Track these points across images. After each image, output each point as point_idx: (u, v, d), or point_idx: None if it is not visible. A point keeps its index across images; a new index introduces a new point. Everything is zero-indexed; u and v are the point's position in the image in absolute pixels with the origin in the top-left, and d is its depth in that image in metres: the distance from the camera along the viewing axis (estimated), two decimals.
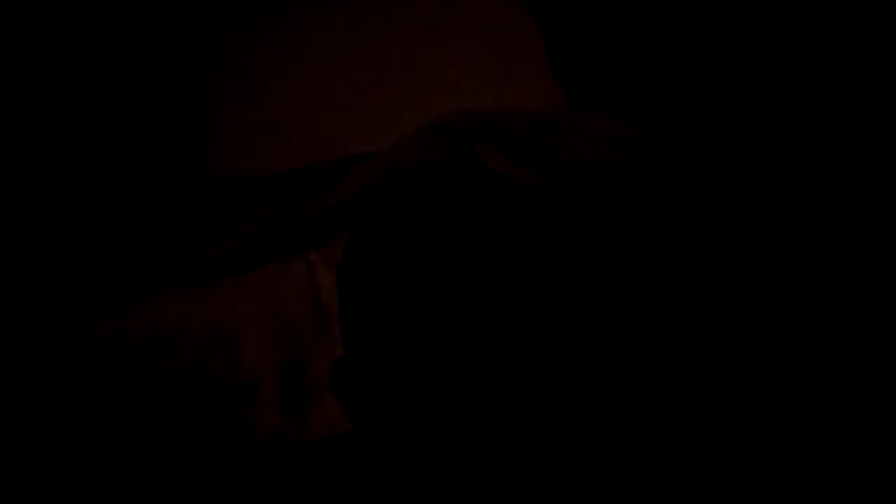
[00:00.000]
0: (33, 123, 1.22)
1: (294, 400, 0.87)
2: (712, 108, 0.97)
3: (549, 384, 0.59)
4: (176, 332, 0.87)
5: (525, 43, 1.17)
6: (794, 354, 0.74)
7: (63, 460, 0.84)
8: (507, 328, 0.59)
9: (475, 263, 0.62)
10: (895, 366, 0.73)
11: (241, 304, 0.88)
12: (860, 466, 0.68)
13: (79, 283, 1.06)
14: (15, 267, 1.12)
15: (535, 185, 0.80)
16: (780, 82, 0.97)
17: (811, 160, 0.90)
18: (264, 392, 0.87)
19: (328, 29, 1.25)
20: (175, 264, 0.94)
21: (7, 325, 1.05)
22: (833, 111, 0.98)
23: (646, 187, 0.79)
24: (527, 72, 1.15)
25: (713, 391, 0.71)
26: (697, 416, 0.70)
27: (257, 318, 0.87)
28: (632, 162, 0.81)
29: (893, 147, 0.95)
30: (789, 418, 0.71)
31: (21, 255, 1.14)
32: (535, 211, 0.71)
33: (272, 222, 0.90)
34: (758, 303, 0.75)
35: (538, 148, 0.86)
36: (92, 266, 1.07)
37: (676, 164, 0.81)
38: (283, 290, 0.88)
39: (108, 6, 1.29)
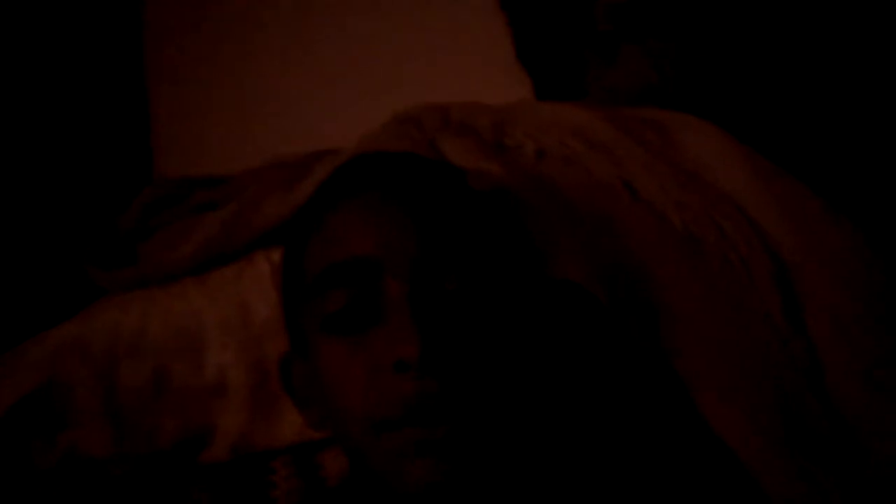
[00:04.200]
0: None
1: (261, 403, 0.85)
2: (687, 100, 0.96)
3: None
4: (136, 337, 0.85)
5: (491, 33, 1.15)
6: None
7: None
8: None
9: (414, 256, 0.62)
10: None
11: (203, 306, 0.86)
12: None
13: (35, 290, 1.05)
14: None
15: (497, 177, 0.79)
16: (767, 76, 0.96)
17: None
18: (230, 396, 0.85)
19: (287, 21, 1.23)
20: (135, 267, 0.92)
21: None
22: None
23: (605, 173, 0.78)
24: (493, 62, 1.14)
25: None
26: None
27: (220, 319, 0.86)
28: (593, 148, 0.80)
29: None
30: None
31: None
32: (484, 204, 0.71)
33: (236, 221, 0.89)
34: None
35: (502, 141, 0.85)
36: (47, 272, 1.06)
37: (636, 144, 0.81)
38: (246, 289, 0.86)
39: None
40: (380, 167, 0.70)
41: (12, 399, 0.83)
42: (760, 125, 0.90)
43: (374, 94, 1.15)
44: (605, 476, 0.67)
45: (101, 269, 0.91)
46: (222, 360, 0.85)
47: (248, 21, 1.25)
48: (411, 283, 0.63)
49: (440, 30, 1.19)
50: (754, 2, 0.94)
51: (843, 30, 0.97)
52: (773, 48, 0.94)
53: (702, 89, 0.93)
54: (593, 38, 1.02)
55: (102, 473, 0.86)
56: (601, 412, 0.70)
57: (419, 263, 0.63)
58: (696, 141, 0.82)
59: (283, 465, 0.86)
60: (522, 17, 1.13)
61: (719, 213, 0.75)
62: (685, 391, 0.68)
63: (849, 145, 0.94)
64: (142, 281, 0.90)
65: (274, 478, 0.85)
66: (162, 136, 1.22)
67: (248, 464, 0.86)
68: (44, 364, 0.85)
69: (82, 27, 1.28)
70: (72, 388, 0.85)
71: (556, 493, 0.66)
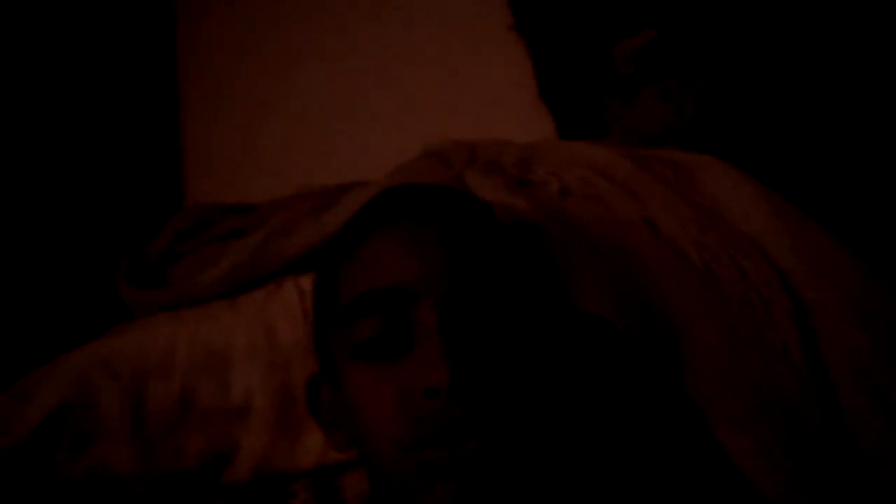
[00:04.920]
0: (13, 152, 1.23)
1: (285, 426, 0.86)
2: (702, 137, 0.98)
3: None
4: (164, 357, 0.87)
5: (516, 72, 1.18)
6: None
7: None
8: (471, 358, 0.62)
9: (448, 286, 0.64)
10: None
11: (231, 328, 0.88)
12: None
13: (65, 309, 1.07)
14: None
15: (522, 211, 0.81)
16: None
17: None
18: (254, 417, 0.87)
19: (318, 56, 1.27)
20: (165, 289, 0.94)
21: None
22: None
23: (626, 210, 0.81)
24: (517, 100, 1.17)
25: None
26: None
27: (248, 342, 0.87)
28: (615, 186, 0.83)
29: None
30: None
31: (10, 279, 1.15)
32: (515, 236, 0.73)
33: (265, 248, 0.91)
34: None
35: (526, 177, 0.88)
36: (78, 291, 1.08)
37: (657, 182, 0.83)
38: (274, 314, 0.88)
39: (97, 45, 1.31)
40: (411, 198, 0.72)
41: (43, 412, 0.85)
42: (777, 165, 0.92)
43: (401, 130, 1.18)
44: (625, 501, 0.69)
45: (134, 288, 0.93)
46: (248, 382, 0.87)
47: (280, 54, 1.29)
48: (442, 310, 0.64)
49: (466, 69, 1.22)
50: (774, 46, 0.97)
51: (861, 76, 0.99)
52: (791, 91, 0.97)
53: (720, 130, 0.95)
54: (614, 80, 1.05)
55: (125, 491, 0.87)
56: (619, 438, 0.72)
57: (450, 292, 0.65)
58: (716, 181, 0.84)
59: (303, 488, 0.87)
60: (543, 53, 1.16)
61: (738, 252, 0.77)
62: (702, 419, 0.69)
63: (866, 186, 0.96)
64: (171, 303, 0.93)
65: (294, 501, 0.86)
66: (192, 162, 1.25)
67: (268, 485, 0.87)
68: (74, 380, 0.86)
69: (117, 54, 1.32)
70: (100, 404, 0.86)
71: None
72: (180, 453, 0.86)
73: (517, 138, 1.00)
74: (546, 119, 1.13)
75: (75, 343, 0.91)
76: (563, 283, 0.74)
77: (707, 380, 0.71)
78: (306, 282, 0.89)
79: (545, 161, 0.89)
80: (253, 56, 1.32)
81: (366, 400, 0.66)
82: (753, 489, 0.67)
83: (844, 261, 0.76)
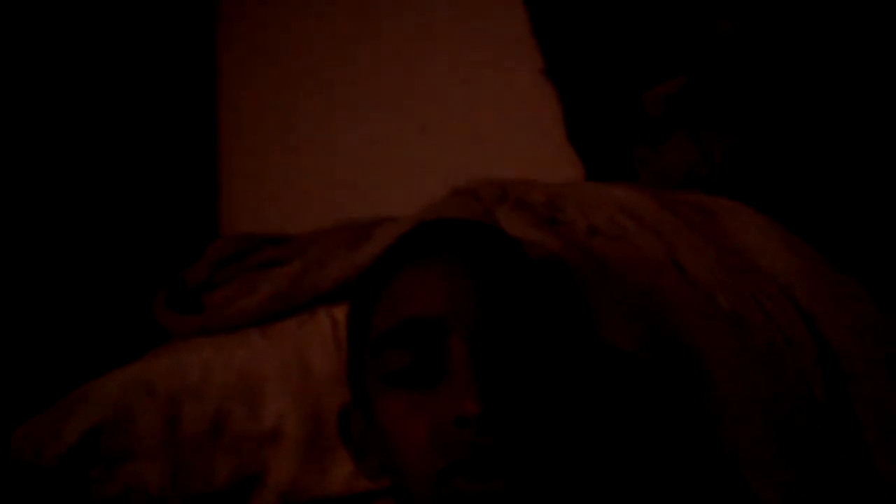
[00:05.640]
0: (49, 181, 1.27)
1: (313, 453, 0.88)
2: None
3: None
4: (200, 380, 0.89)
5: (545, 114, 1.22)
6: None
7: None
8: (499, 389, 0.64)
9: (478, 320, 0.66)
10: None
11: (265, 355, 0.90)
12: None
13: (104, 331, 1.10)
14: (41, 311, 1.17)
15: (551, 248, 0.84)
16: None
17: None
18: (284, 443, 0.89)
19: (353, 95, 1.31)
20: (203, 315, 0.97)
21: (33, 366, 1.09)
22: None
23: (654, 251, 0.83)
24: (546, 142, 1.20)
25: None
26: None
27: (280, 369, 0.89)
28: (643, 227, 0.85)
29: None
30: None
31: (47, 302, 1.18)
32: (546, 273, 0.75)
33: (301, 279, 0.93)
34: None
35: (555, 216, 0.90)
36: (116, 315, 1.11)
37: (684, 225, 0.85)
38: (307, 343, 0.90)
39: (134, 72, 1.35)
40: (443, 232, 0.75)
41: (82, 429, 0.87)
42: (802, 212, 0.94)
43: (432, 168, 1.21)
44: None
45: (172, 313, 0.96)
46: (279, 408, 0.89)
47: (317, 91, 1.33)
48: (474, 342, 0.66)
49: (497, 110, 1.25)
50: (800, 97, 1.00)
51: (889, 131, 1.01)
52: (817, 141, 0.99)
53: (747, 177, 0.97)
54: (643, 125, 1.08)
55: None
56: (644, 472, 0.73)
57: (482, 324, 0.67)
58: (743, 225, 0.86)
59: None
60: (573, 98, 1.19)
61: (765, 295, 0.79)
62: (728, 459, 0.71)
63: (891, 235, 0.97)
64: (207, 329, 0.95)
65: None
66: (227, 190, 1.29)
67: None
68: (114, 398, 0.89)
69: (159, 80, 1.36)
70: (136, 423, 0.88)
71: None
72: (211, 475, 0.88)
73: (545, 179, 1.02)
74: (574, 161, 1.16)
75: (111, 362, 0.94)
76: (590, 317, 0.76)
77: (732, 420, 0.72)
78: (339, 312, 0.91)
79: (573, 201, 0.91)
80: (291, 89, 1.36)
81: (397, 428, 0.67)
82: None
83: (869, 307, 0.78)
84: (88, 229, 1.26)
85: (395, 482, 0.71)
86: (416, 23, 1.35)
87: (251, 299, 0.94)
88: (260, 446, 0.89)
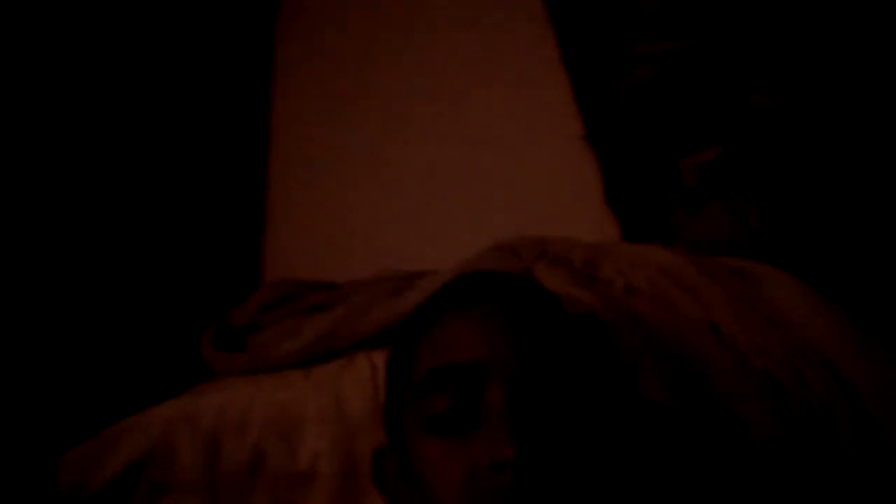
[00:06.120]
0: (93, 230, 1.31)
1: (347, 494, 0.90)
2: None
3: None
4: (241, 417, 0.92)
5: (584, 177, 1.25)
6: None
7: None
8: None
9: (517, 370, 0.68)
10: None
11: (305, 395, 0.93)
12: None
13: (153, 367, 1.13)
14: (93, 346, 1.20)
15: (588, 304, 0.86)
16: None
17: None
18: (319, 483, 0.90)
19: (401, 153, 1.35)
20: (248, 355, 1.00)
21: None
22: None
23: (691, 312, 0.85)
24: (584, 204, 1.23)
25: None
26: None
27: (320, 410, 0.92)
28: (680, 288, 0.87)
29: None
30: None
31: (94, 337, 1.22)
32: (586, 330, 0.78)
33: (345, 323, 0.96)
34: None
35: (593, 274, 0.93)
36: (158, 349, 1.14)
37: (721, 288, 0.87)
38: (346, 386, 0.93)
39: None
40: (484, 283, 0.77)
41: (127, 459, 0.90)
42: (837, 277, 0.95)
43: (473, 224, 1.24)
44: None
45: (219, 352, 0.99)
46: (316, 448, 0.91)
47: (365, 147, 1.37)
48: (512, 388, 0.68)
49: (538, 172, 1.28)
50: (835, 166, 1.02)
51: None
52: (852, 207, 1.01)
53: (782, 243, 1.00)
54: (679, 191, 1.11)
55: None
56: None
57: (520, 371, 0.69)
58: (779, 290, 0.88)
59: None
60: (611, 163, 1.23)
61: (800, 359, 0.80)
62: None
63: None
64: (251, 368, 0.98)
65: None
66: (273, 238, 1.33)
67: None
68: (159, 432, 0.91)
69: (213, 126, 1.40)
70: (177, 457, 0.91)
71: None
72: None
73: (583, 240, 1.05)
74: (611, 223, 1.19)
75: (156, 395, 0.97)
76: (626, 371, 0.78)
77: (766, 476, 0.73)
78: (379, 357, 0.93)
79: (612, 260, 0.94)
80: (341, 143, 1.40)
81: (433, 473, 0.68)
82: None
83: None
84: (134, 266, 1.30)
85: None
86: (463, 87, 1.40)
87: (295, 342, 0.97)
88: (295, 485, 0.91)
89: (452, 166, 1.32)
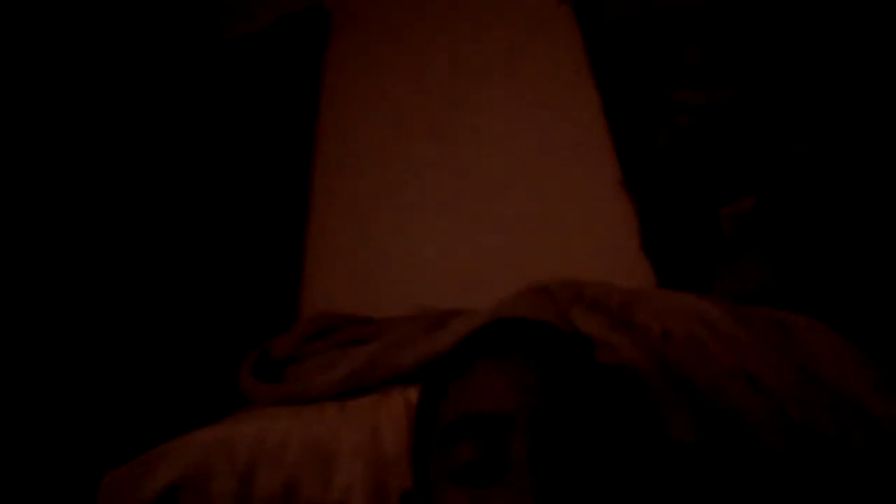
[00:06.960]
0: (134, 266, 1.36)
1: None
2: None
3: None
4: (277, 447, 0.93)
5: (621, 223, 1.26)
6: None
7: None
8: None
9: (547, 419, 0.68)
10: None
11: (340, 428, 0.94)
12: None
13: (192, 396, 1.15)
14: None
15: (624, 350, 0.87)
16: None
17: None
18: None
19: (442, 194, 1.37)
20: (286, 385, 1.01)
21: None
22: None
23: (728, 361, 0.86)
24: (620, 249, 1.24)
25: None
26: None
27: (354, 443, 0.93)
28: (716, 337, 0.88)
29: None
30: None
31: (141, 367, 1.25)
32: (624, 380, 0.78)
33: (380, 358, 0.98)
34: None
35: (629, 319, 0.94)
36: (193, 376, 1.16)
37: (758, 337, 0.88)
38: (380, 420, 0.94)
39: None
40: (516, 332, 0.77)
41: (164, 483, 0.92)
42: (871, 328, 0.95)
43: (509, 265, 1.26)
44: None
45: (258, 382, 1.01)
46: (349, 479, 0.91)
47: (405, 188, 1.40)
48: (537, 440, 0.68)
49: (576, 217, 1.30)
50: (867, 219, 1.02)
51: None
52: (886, 261, 1.01)
53: (819, 294, 1.00)
54: (717, 240, 1.12)
55: None
56: None
57: (546, 424, 0.69)
58: (816, 342, 0.87)
59: None
60: (648, 210, 1.24)
61: (838, 410, 0.81)
62: None
63: None
64: (288, 399, 1.00)
65: None
66: (311, 274, 1.35)
67: None
68: (196, 457, 0.93)
69: (257, 164, 1.45)
70: (212, 483, 0.92)
71: None
72: None
73: (618, 284, 1.06)
74: (646, 270, 1.20)
75: (193, 421, 0.99)
76: (660, 418, 0.79)
77: None
78: (413, 393, 0.94)
79: (648, 306, 0.94)
80: (381, 182, 1.43)
81: None
82: None
83: None
84: (184, 299, 1.33)
85: None
86: (505, 131, 1.42)
87: (331, 374, 0.99)
88: None
89: (491, 207, 1.34)
